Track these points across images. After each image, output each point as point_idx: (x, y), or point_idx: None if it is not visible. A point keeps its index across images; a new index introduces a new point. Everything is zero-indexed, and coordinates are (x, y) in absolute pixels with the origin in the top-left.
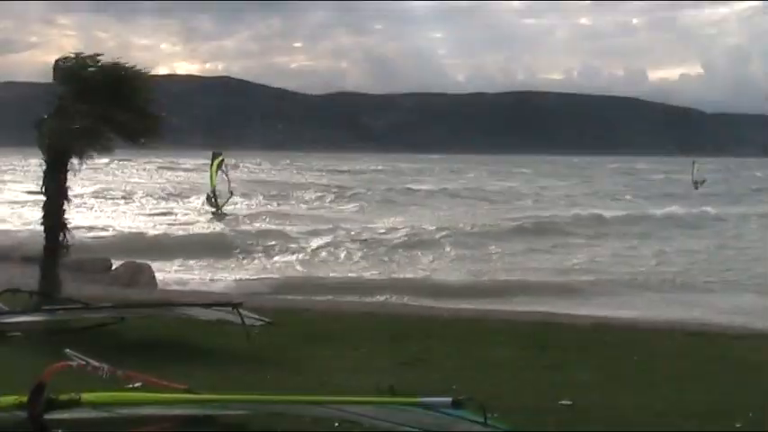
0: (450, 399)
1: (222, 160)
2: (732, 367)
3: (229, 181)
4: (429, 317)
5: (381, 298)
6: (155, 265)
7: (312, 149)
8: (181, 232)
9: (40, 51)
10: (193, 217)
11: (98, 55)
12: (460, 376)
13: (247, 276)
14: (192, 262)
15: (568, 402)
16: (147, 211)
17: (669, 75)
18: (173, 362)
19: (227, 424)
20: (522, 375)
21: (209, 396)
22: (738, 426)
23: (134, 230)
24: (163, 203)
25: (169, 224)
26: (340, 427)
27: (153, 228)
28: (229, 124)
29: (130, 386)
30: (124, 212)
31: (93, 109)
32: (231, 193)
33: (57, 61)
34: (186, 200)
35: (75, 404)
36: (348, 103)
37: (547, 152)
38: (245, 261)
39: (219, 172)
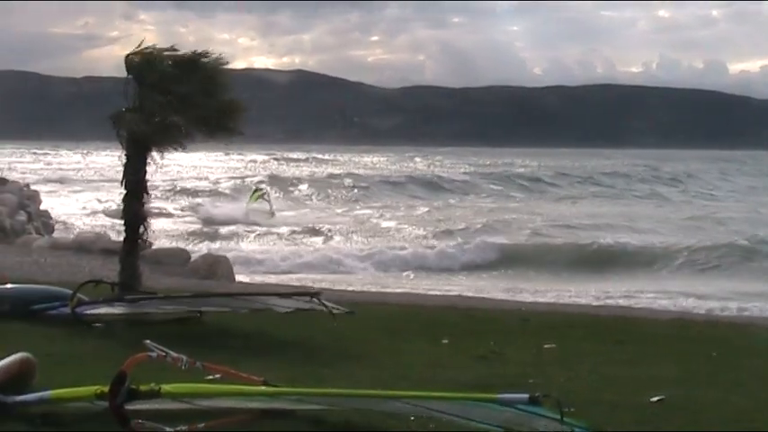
0: (526, 395)
1: (264, 193)
2: None
3: (271, 205)
4: (506, 310)
5: None
6: None
7: (389, 143)
8: None
9: (120, 46)
10: None
11: (173, 49)
12: (537, 371)
13: None
14: None
15: (660, 397)
16: None
17: (750, 67)
18: (250, 354)
19: (304, 418)
20: (601, 370)
21: (286, 389)
22: None
23: None
24: None
25: None
26: (416, 423)
27: None
28: (306, 117)
29: (209, 378)
30: None
31: (171, 102)
32: (273, 214)
33: (128, 56)
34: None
35: (156, 395)
36: (425, 97)
37: (635, 146)
38: None
39: (260, 201)
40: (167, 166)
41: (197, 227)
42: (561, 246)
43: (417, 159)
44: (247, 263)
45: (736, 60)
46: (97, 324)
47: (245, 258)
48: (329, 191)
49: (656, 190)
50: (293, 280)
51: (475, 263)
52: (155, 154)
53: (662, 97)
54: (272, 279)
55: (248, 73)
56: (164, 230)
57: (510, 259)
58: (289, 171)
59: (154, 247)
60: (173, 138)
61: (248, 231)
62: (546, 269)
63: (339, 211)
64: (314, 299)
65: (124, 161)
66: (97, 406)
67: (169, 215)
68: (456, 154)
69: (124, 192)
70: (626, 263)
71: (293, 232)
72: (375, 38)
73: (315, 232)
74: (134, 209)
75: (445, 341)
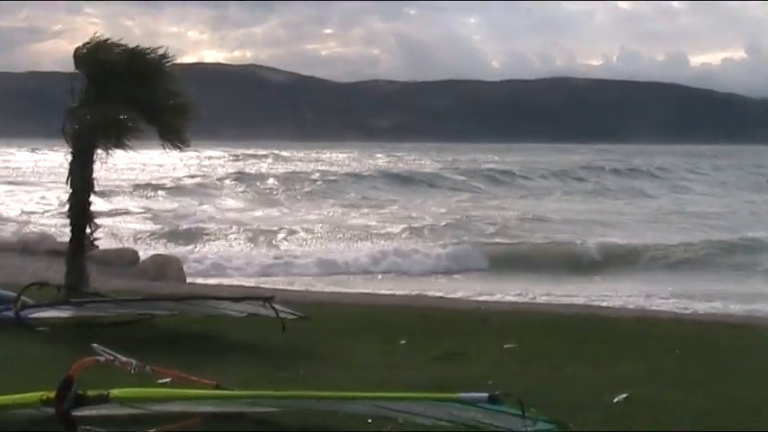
0: (486, 394)
1: None
2: None
3: None
4: (465, 309)
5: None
6: None
7: (346, 138)
8: None
9: (65, 40)
10: None
11: (120, 42)
12: (498, 371)
13: None
14: None
15: (624, 396)
16: None
17: (711, 59)
18: (202, 357)
19: (258, 421)
20: (563, 370)
21: (240, 392)
22: None
23: None
24: None
25: None
26: (373, 424)
27: None
28: (258, 114)
29: (159, 382)
30: None
31: (120, 98)
32: None
33: (77, 49)
34: None
35: (104, 400)
36: (380, 91)
37: (596, 141)
38: None
39: None
40: (128, 164)
41: (157, 227)
42: (536, 245)
43: (379, 155)
44: (204, 264)
45: (697, 53)
46: (42, 328)
47: (202, 259)
48: (297, 188)
49: (631, 185)
50: (250, 282)
51: (450, 261)
52: (101, 151)
53: (622, 90)
54: (227, 281)
55: (198, 67)
56: (120, 230)
57: (483, 259)
58: (249, 168)
59: (102, 247)
60: (120, 134)
61: (209, 231)
62: (518, 268)
63: (308, 209)
64: (266, 303)
65: (70, 159)
66: (43, 413)
67: (128, 214)
68: (418, 150)
69: (70, 190)
70: (599, 262)
71: (258, 232)
72: (328, 31)
73: (280, 232)
74: (80, 208)
75: (403, 342)
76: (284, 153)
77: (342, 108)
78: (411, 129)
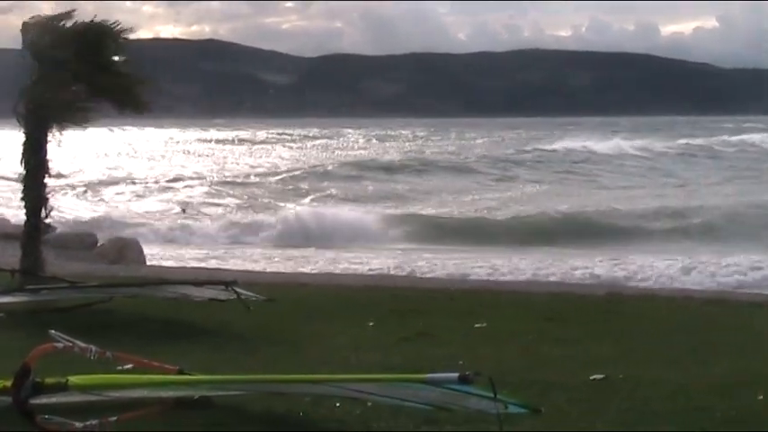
0: (456, 374)
1: None
2: (753, 337)
3: None
4: (434, 289)
5: None
6: None
7: (312, 115)
8: None
9: (15, 16)
10: None
11: (69, 15)
12: (468, 352)
13: None
14: None
15: (601, 376)
16: None
17: (683, 29)
18: (164, 342)
19: (223, 406)
20: (534, 349)
21: (203, 377)
22: (761, 398)
23: None
24: None
25: None
26: (341, 408)
27: None
28: (219, 90)
29: (120, 368)
30: None
31: (74, 74)
32: None
33: (24, 25)
34: None
35: (63, 388)
36: (344, 66)
37: (569, 114)
38: None
39: None
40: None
41: None
42: None
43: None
44: None
45: (668, 23)
46: None
47: None
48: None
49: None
50: (211, 264)
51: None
52: (56, 131)
53: (592, 62)
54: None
55: (155, 43)
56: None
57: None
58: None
59: (59, 230)
60: (75, 113)
61: None
62: None
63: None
64: (229, 287)
65: (23, 140)
66: None
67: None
68: (381, 126)
69: (24, 172)
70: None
71: None
72: (289, 4)
73: None
74: (35, 190)
75: (371, 323)
76: (287, 131)
77: (305, 84)
78: (378, 104)
